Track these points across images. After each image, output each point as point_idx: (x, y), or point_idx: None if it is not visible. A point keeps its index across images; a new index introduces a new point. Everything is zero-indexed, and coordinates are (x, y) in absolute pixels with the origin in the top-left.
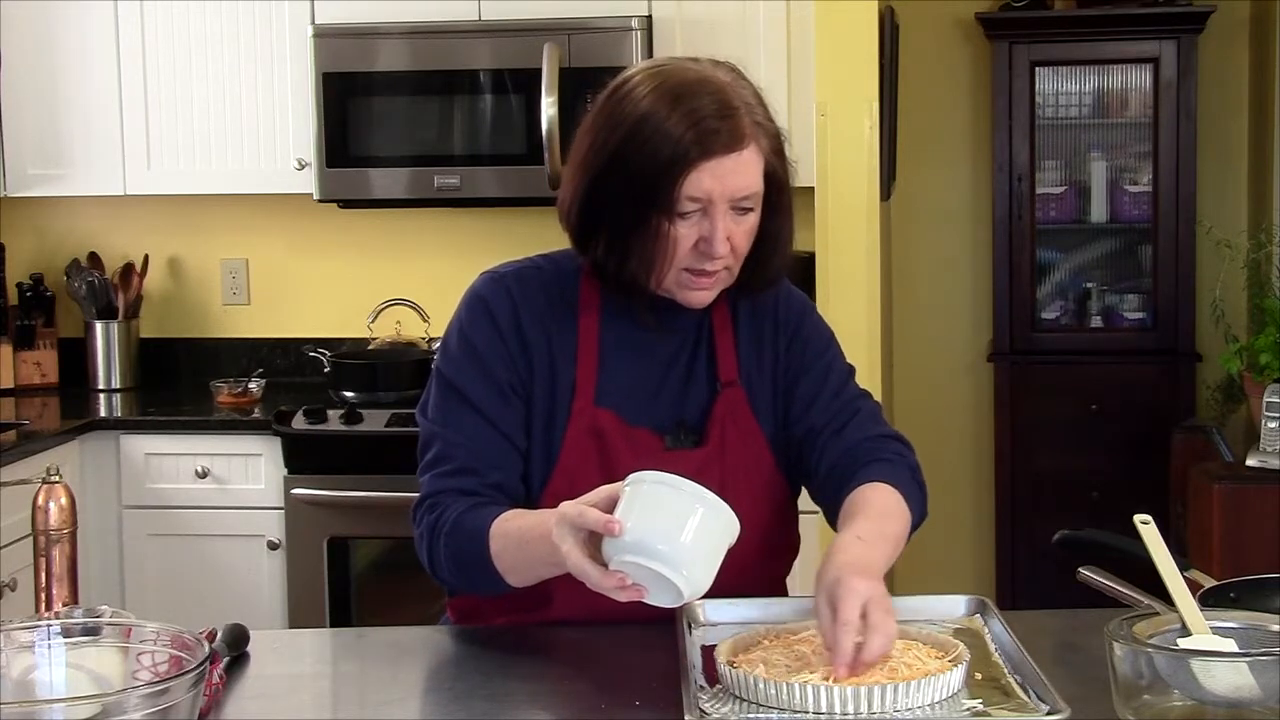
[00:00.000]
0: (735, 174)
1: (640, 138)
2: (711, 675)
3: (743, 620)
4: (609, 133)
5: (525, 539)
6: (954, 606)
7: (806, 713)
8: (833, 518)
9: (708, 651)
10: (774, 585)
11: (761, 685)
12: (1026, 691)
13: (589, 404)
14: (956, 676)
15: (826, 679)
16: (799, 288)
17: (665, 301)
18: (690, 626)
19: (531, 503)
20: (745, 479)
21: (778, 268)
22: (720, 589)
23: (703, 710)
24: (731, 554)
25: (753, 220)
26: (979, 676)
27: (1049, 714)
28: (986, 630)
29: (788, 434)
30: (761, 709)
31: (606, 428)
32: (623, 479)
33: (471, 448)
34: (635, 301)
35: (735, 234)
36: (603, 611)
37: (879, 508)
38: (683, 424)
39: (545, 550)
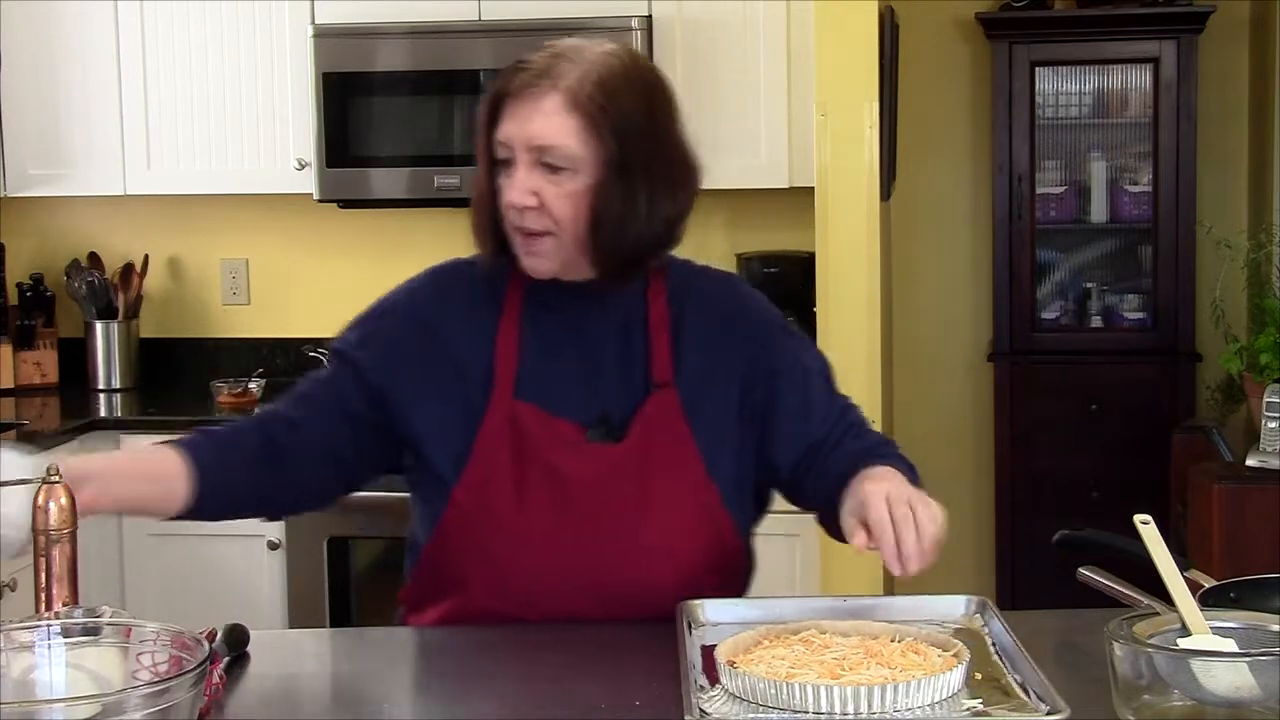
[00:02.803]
0: (533, 121)
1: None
2: (711, 675)
3: (743, 620)
4: None
5: None
6: (954, 606)
7: (806, 713)
8: (835, 520)
9: (708, 651)
10: (701, 588)
11: (761, 685)
12: (1026, 691)
13: (507, 397)
14: (956, 676)
15: (827, 678)
16: (798, 288)
17: (586, 291)
18: (690, 626)
19: (447, 492)
20: (669, 481)
21: (606, 245)
22: (646, 591)
23: (703, 710)
24: (642, 553)
25: (573, 185)
26: (979, 676)
27: (1049, 714)
28: (986, 630)
29: (779, 449)
30: (761, 709)
31: (525, 419)
32: (535, 472)
33: (308, 405)
34: (490, 260)
35: (549, 194)
36: (513, 600)
37: (882, 469)
38: (607, 419)
39: None
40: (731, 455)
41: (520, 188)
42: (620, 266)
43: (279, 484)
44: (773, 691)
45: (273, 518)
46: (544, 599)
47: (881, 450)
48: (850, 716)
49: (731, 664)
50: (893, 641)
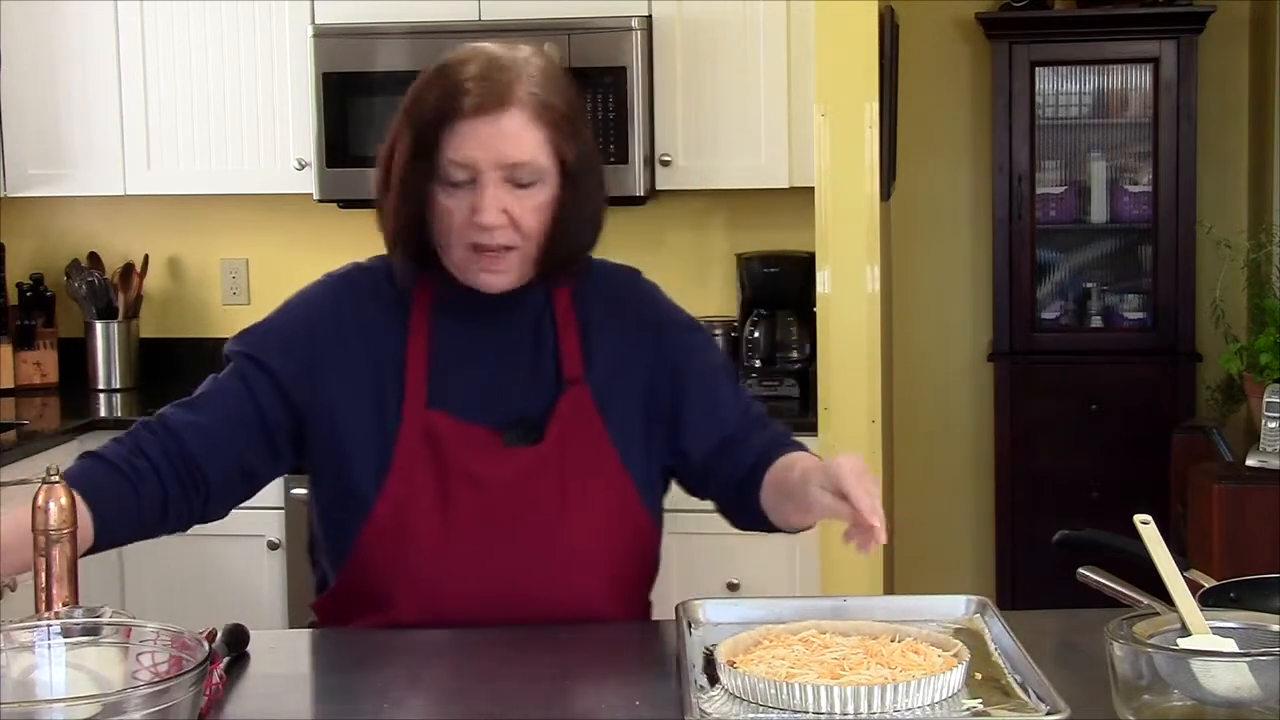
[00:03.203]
0: (501, 139)
1: (423, 93)
2: (711, 675)
3: (743, 620)
4: (404, 102)
5: None
6: (954, 606)
7: (806, 713)
8: (748, 511)
9: (707, 652)
10: (625, 588)
11: (761, 685)
12: (1026, 691)
13: (420, 406)
14: (956, 676)
15: (828, 678)
16: (798, 288)
17: (493, 295)
18: (690, 626)
19: (368, 506)
20: (588, 478)
21: (567, 251)
22: (574, 593)
23: (703, 710)
24: (567, 551)
25: (540, 198)
26: (979, 676)
27: (1049, 714)
28: (986, 630)
29: (691, 442)
30: (761, 709)
31: (440, 428)
32: (457, 480)
33: (215, 408)
34: (408, 278)
35: (516, 209)
36: (440, 614)
37: (803, 455)
38: (523, 421)
39: None
40: (641, 449)
41: (493, 207)
42: (563, 271)
43: (187, 497)
44: (773, 691)
45: (174, 531)
46: (471, 611)
47: (786, 441)
48: (850, 716)
49: (731, 664)
50: (893, 641)
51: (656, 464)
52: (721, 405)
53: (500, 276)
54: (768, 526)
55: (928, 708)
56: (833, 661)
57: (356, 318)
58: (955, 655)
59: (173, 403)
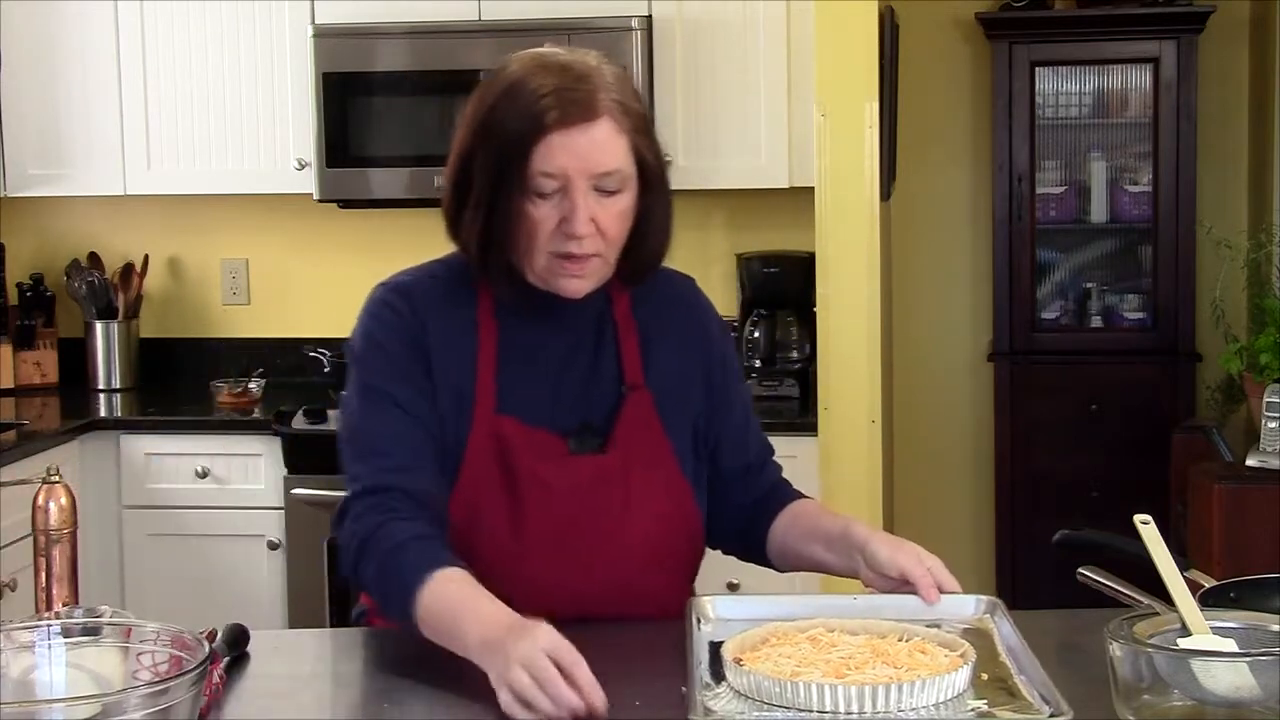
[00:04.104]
0: (591, 149)
1: (500, 109)
2: (717, 672)
3: (750, 617)
4: (476, 107)
5: (460, 615)
6: (963, 606)
7: (811, 711)
8: (748, 537)
9: (714, 648)
10: (677, 591)
11: (766, 683)
12: (1032, 693)
13: (490, 411)
14: (962, 676)
15: (835, 677)
16: (798, 288)
17: (555, 299)
18: (699, 622)
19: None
20: (651, 484)
21: (653, 252)
22: (615, 593)
23: (708, 708)
24: (630, 557)
25: (623, 203)
26: (985, 677)
27: (1052, 716)
28: (996, 630)
29: (722, 460)
30: (767, 707)
31: (509, 434)
32: (526, 486)
33: (404, 445)
34: (504, 289)
35: (602, 217)
36: None
37: (824, 506)
38: (588, 427)
39: (473, 642)
40: (693, 454)
41: (584, 216)
42: (646, 270)
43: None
44: (777, 690)
45: None
46: (529, 614)
47: (789, 484)
48: (854, 715)
49: (738, 661)
50: (900, 641)
51: (703, 467)
52: (750, 430)
53: (583, 282)
54: (757, 556)
55: (932, 708)
56: (838, 660)
57: (428, 327)
58: (961, 655)
59: (383, 469)
